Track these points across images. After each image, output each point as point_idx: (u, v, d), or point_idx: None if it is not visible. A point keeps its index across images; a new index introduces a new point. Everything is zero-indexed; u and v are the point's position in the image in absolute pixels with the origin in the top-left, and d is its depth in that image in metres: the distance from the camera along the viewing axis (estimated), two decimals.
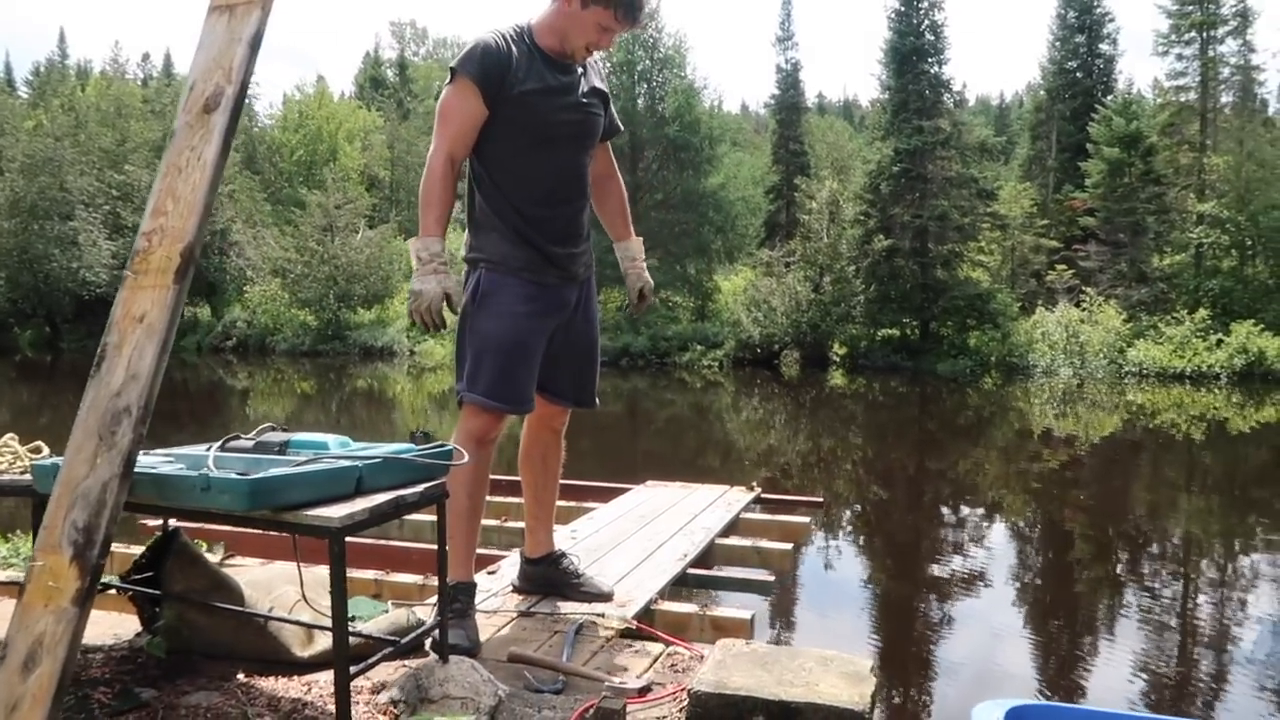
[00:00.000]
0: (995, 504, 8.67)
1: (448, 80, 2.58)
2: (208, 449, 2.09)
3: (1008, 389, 20.30)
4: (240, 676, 2.23)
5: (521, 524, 3.14)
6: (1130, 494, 9.37)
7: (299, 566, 2.37)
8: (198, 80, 1.93)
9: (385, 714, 2.04)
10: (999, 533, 7.57)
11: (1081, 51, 34.39)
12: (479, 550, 3.08)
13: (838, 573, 6.32)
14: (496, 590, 2.99)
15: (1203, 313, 23.27)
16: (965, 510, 8.48)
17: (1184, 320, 23.28)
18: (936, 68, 27.53)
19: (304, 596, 2.39)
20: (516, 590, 2.98)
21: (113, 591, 2.53)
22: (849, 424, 15.37)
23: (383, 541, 3.61)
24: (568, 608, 2.80)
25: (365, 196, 39.91)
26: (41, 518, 1.79)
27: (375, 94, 62.07)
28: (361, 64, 71.34)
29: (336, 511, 1.81)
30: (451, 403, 2.65)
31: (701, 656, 2.41)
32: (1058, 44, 34.79)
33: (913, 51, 27.24)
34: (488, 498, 2.84)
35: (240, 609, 2.32)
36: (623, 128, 3.01)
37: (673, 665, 2.40)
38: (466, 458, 2.25)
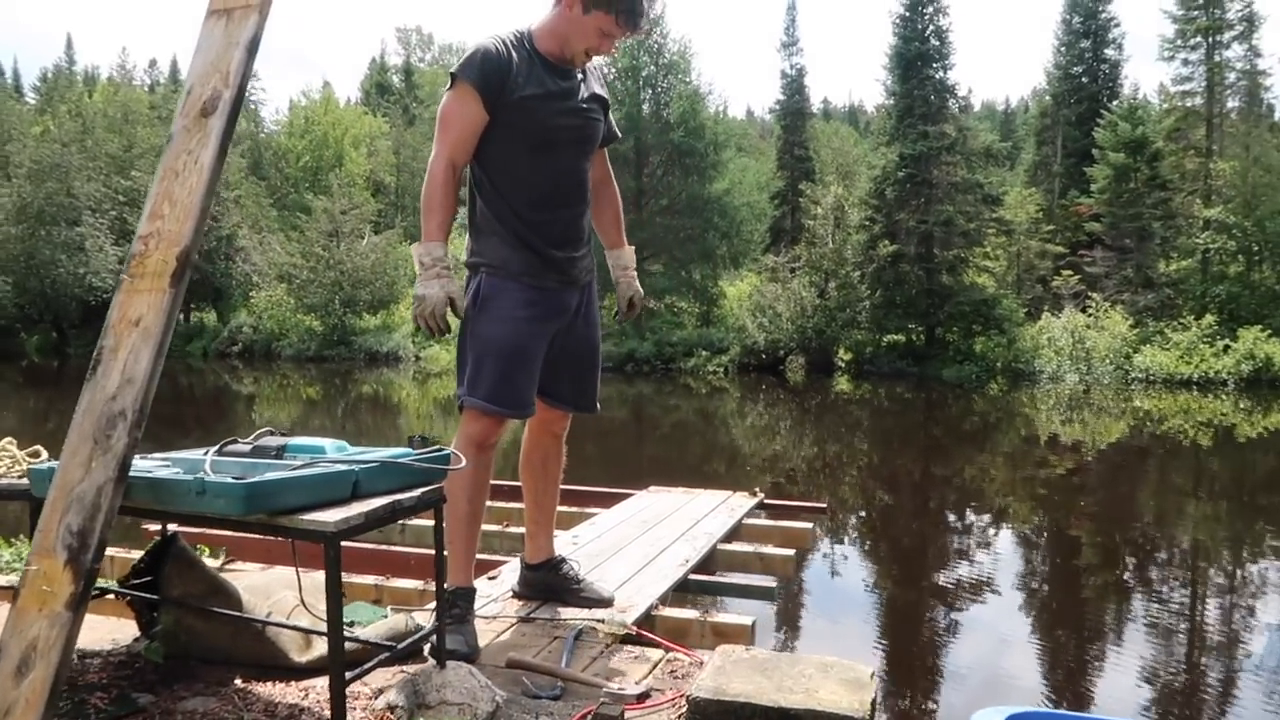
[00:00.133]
0: (1001, 510, 8.63)
1: (448, 86, 2.58)
2: (205, 453, 2.09)
3: (1014, 395, 20.25)
4: (237, 682, 2.22)
5: (523, 529, 3.13)
6: (1137, 500, 9.33)
7: (297, 571, 2.36)
8: (195, 84, 1.93)
9: (382, 719, 2.03)
10: (1005, 539, 7.54)
11: (1087, 57, 34.36)
12: (480, 556, 3.07)
13: (842, 579, 6.30)
14: (497, 596, 2.98)
15: (1209, 318, 23.20)
16: (971, 516, 8.45)
17: (1191, 326, 23.20)
18: (941, 73, 27.51)
19: (302, 601, 2.38)
20: (517, 596, 2.96)
21: (111, 596, 2.53)
22: (854, 430, 15.34)
23: (383, 547, 3.61)
24: (568, 613, 2.79)
25: (371, 202, 40.06)
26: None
27: (381, 100, 62.34)
28: (367, 70, 71.70)
29: (332, 516, 1.80)
30: (457, 408, 2.64)
31: (701, 662, 2.39)
32: (1063, 49, 34.78)
33: (918, 57, 27.23)
34: (489, 503, 2.84)
35: (237, 614, 2.31)
36: (620, 135, 3.01)
37: (672, 671, 2.39)
38: (464, 462, 2.24)
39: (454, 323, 2.58)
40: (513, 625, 2.72)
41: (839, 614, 5.53)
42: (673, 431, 15.28)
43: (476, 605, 2.69)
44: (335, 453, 2.07)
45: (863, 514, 8.50)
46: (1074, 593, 6.14)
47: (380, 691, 2.16)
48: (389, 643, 2.19)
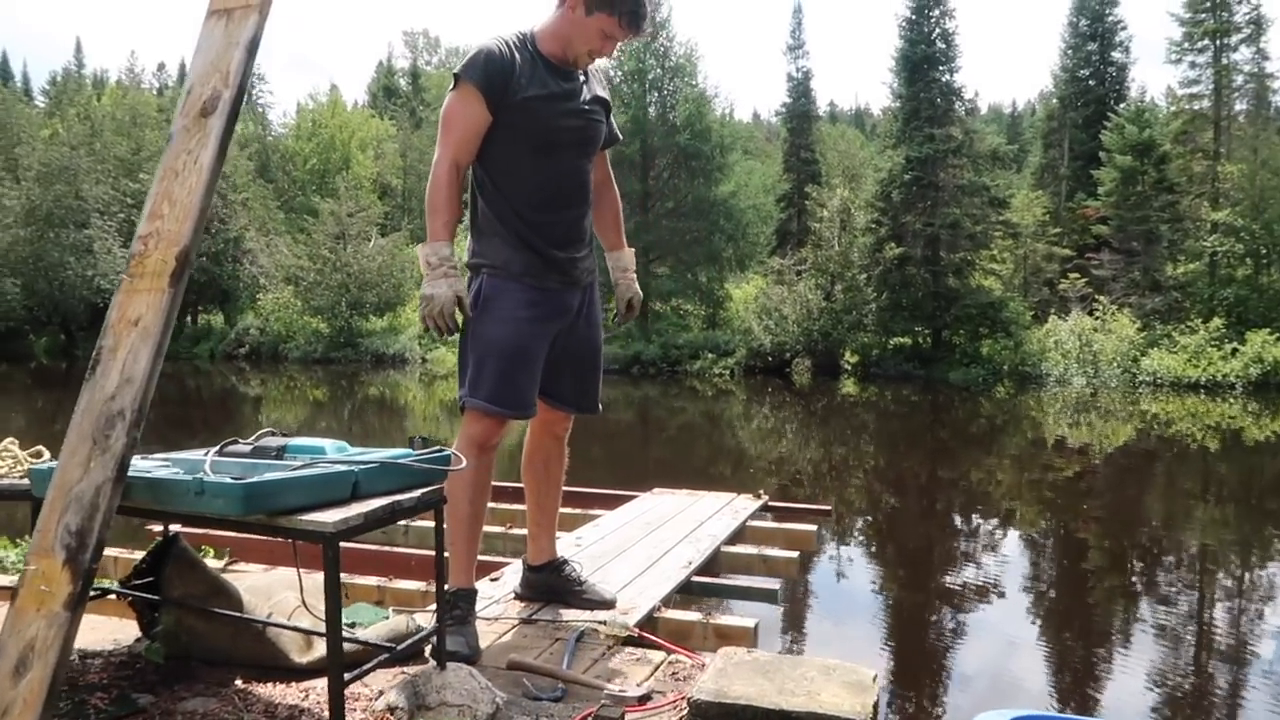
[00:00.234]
0: (1008, 513, 8.60)
1: (451, 86, 2.58)
2: (205, 454, 2.08)
3: (1020, 398, 20.18)
4: (238, 682, 2.22)
5: (525, 531, 3.12)
6: (1145, 504, 9.29)
7: (298, 572, 2.36)
8: (195, 84, 1.93)
9: None
10: (1011, 542, 7.51)
11: (1094, 59, 34.32)
12: (483, 557, 3.07)
13: (847, 581, 6.27)
14: (499, 597, 2.97)
15: (1217, 321, 23.10)
16: (977, 519, 8.42)
17: (1198, 329, 23.11)
18: (948, 76, 27.47)
19: (304, 602, 2.37)
20: (519, 597, 2.96)
21: (113, 597, 2.53)
22: (860, 432, 15.31)
23: (385, 548, 3.60)
24: (570, 615, 2.78)
25: (378, 205, 40.13)
26: None
27: (388, 103, 62.49)
28: (375, 73, 71.89)
29: (331, 516, 1.80)
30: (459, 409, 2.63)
31: (703, 665, 2.38)
32: (1070, 52, 34.74)
33: (924, 60, 27.19)
34: (493, 505, 2.83)
35: (238, 614, 2.31)
36: (622, 137, 3.01)
37: (674, 673, 2.38)
38: (464, 463, 2.24)
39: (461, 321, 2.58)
40: (514, 627, 2.72)
41: (844, 616, 5.51)
42: (678, 434, 15.26)
43: (479, 606, 2.69)
44: (335, 453, 2.07)
45: (868, 516, 8.47)
46: (1081, 596, 6.11)
47: (382, 693, 2.15)
48: (389, 644, 2.19)
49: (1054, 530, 7.99)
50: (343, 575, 3.00)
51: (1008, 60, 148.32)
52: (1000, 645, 4.98)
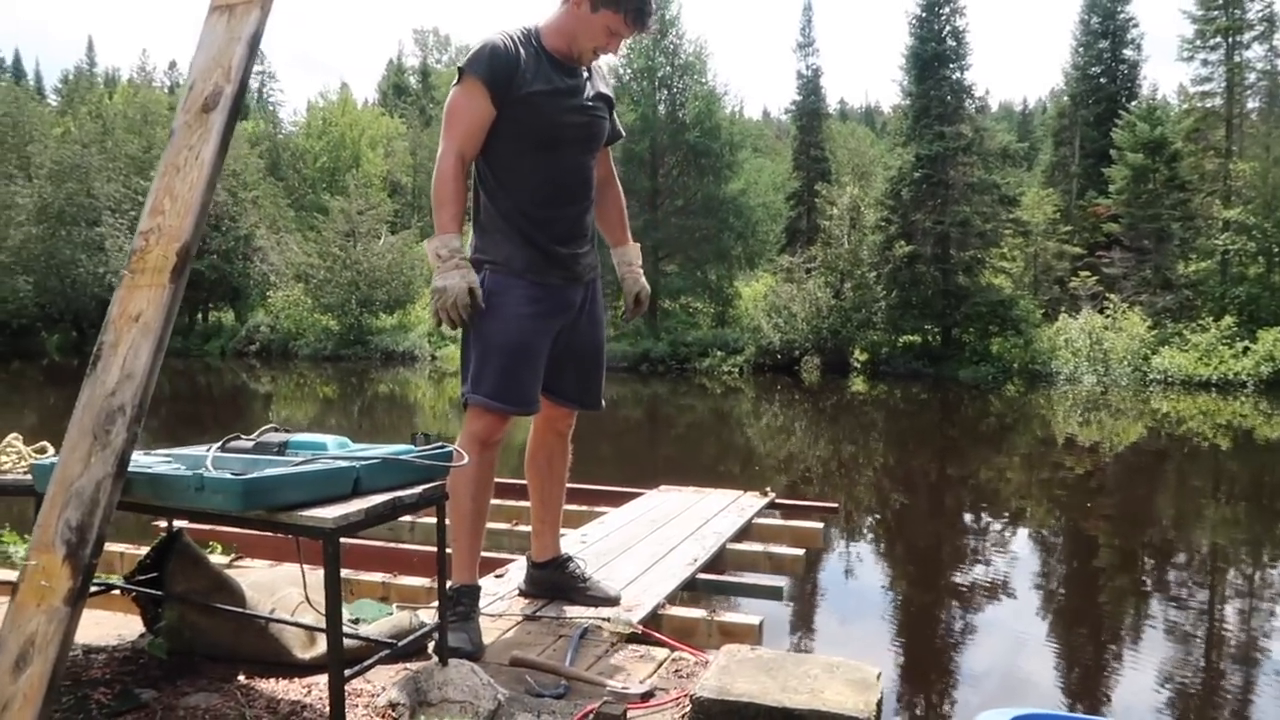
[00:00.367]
0: (1017, 512, 8.56)
1: (455, 81, 2.58)
2: (207, 449, 2.08)
3: (1031, 396, 20.11)
4: (240, 678, 2.22)
5: (530, 528, 3.11)
6: (1155, 503, 9.24)
7: (302, 568, 2.35)
8: (197, 79, 1.93)
9: (384, 717, 2.02)
10: (1020, 540, 7.47)
11: (1105, 57, 34.14)
12: (488, 554, 3.06)
13: (854, 579, 6.26)
14: (503, 594, 2.96)
15: (1229, 319, 22.99)
16: (986, 517, 8.38)
17: (1210, 327, 23.00)
18: (958, 73, 27.38)
19: (307, 598, 2.37)
20: (523, 594, 2.95)
21: (117, 592, 2.53)
22: (869, 430, 15.27)
23: (390, 544, 3.60)
24: (573, 612, 2.78)
25: (387, 202, 40.23)
26: None
27: (398, 101, 62.66)
28: (385, 71, 72.06)
29: (331, 512, 1.79)
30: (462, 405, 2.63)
31: (707, 662, 2.37)
32: (1081, 49, 34.56)
33: (934, 57, 27.10)
34: (498, 501, 2.83)
35: (240, 610, 2.31)
36: (625, 134, 3.00)
37: (677, 670, 2.37)
38: (466, 459, 2.23)
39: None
40: (518, 623, 2.71)
41: (849, 614, 5.49)
42: (687, 431, 15.25)
43: (483, 603, 2.68)
44: (336, 449, 2.06)
45: (876, 514, 8.45)
46: (1090, 595, 6.08)
47: (383, 689, 2.15)
48: (391, 640, 2.18)
49: (1064, 529, 7.95)
50: (348, 571, 3.02)
51: (1018, 58, 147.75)
52: (1009, 643, 4.96)
